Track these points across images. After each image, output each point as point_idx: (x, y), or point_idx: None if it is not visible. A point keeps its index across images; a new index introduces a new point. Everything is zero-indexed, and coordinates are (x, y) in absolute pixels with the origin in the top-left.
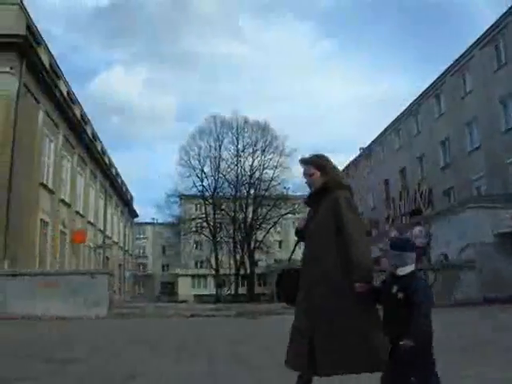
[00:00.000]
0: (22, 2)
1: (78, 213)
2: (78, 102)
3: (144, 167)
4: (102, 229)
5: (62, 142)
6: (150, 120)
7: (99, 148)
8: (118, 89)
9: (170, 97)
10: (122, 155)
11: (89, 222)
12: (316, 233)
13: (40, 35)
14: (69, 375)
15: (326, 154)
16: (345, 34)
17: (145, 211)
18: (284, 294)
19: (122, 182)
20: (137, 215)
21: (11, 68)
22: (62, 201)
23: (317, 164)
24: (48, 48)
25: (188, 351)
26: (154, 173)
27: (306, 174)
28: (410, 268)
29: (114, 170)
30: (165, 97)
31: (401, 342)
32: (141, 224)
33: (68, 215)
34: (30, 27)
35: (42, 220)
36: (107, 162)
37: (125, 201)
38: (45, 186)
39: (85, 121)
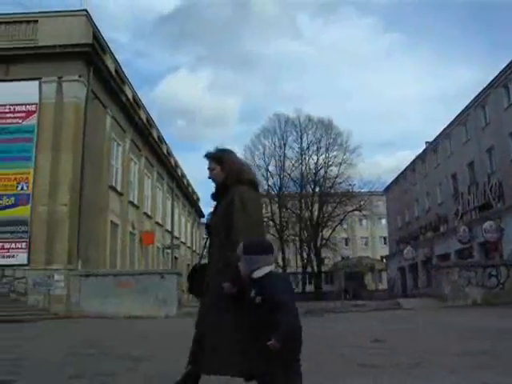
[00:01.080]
0: (88, 12)
1: (146, 214)
2: (144, 106)
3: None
4: (169, 229)
5: (129, 146)
6: (214, 121)
7: (165, 150)
8: (182, 92)
9: (233, 98)
10: (187, 157)
11: (157, 223)
12: (215, 229)
13: (106, 43)
14: (142, 372)
15: (226, 148)
16: (407, 28)
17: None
18: (192, 287)
19: (188, 182)
20: (203, 215)
21: (80, 76)
22: (131, 203)
23: (218, 159)
24: (113, 55)
25: None
26: None
27: (208, 169)
28: (265, 270)
29: (179, 172)
30: (228, 98)
31: (268, 343)
32: None
33: (136, 217)
34: (96, 36)
35: (111, 222)
36: (173, 163)
37: (191, 201)
38: (114, 189)
39: (150, 124)
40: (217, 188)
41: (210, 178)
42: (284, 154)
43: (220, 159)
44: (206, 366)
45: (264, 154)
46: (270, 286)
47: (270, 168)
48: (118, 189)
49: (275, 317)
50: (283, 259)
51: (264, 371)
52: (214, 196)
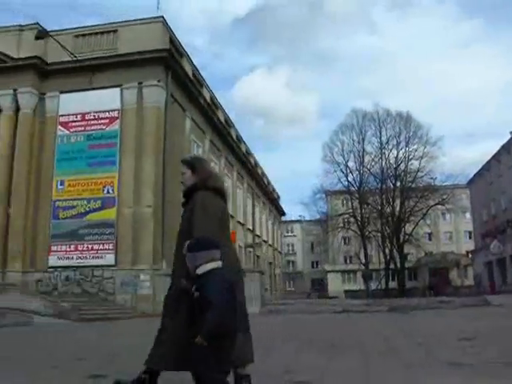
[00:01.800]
0: (164, 19)
1: (231, 216)
2: (222, 107)
3: (288, 166)
4: (251, 228)
5: (208, 147)
6: (293, 120)
7: (244, 150)
8: (260, 91)
9: (311, 96)
10: (266, 156)
11: (238, 222)
12: (179, 232)
13: (182, 47)
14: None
15: (201, 157)
16: (486, 14)
17: (292, 209)
18: None
19: (268, 181)
20: (284, 213)
21: (159, 81)
22: None
23: (190, 164)
24: (190, 58)
25: (340, 347)
26: (299, 171)
27: (181, 173)
28: (207, 267)
29: (259, 171)
30: (306, 96)
31: (196, 340)
32: (288, 222)
33: None
34: (173, 41)
35: None
36: (252, 162)
37: (272, 200)
38: None
39: (229, 124)
40: (185, 192)
41: (181, 181)
42: (363, 149)
43: (192, 165)
44: (148, 359)
45: (343, 150)
46: (205, 283)
47: (350, 164)
48: None
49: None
50: (365, 256)
51: (195, 368)
52: (183, 200)
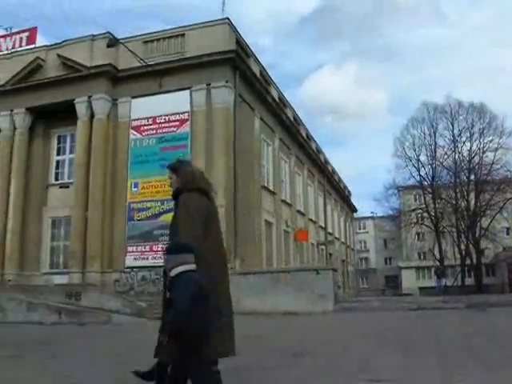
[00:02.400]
0: (229, 20)
1: (299, 212)
2: (290, 105)
3: (359, 162)
4: (322, 225)
5: (278, 145)
6: (362, 115)
7: (314, 147)
8: (328, 89)
9: (380, 91)
10: (336, 152)
11: (310, 220)
12: (171, 232)
13: (249, 48)
14: (302, 367)
15: (184, 160)
16: None
17: (363, 205)
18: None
19: (339, 178)
20: (356, 210)
21: (227, 81)
22: (283, 201)
23: (174, 169)
24: (257, 58)
25: (417, 345)
26: (370, 167)
27: (168, 178)
28: (178, 269)
29: (330, 168)
30: (375, 91)
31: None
32: (360, 218)
33: (290, 214)
34: (239, 42)
35: (266, 221)
36: (323, 160)
37: (343, 196)
38: (266, 189)
39: (298, 122)
40: (172, 196)
41: (170, 186)
42: (435, 142)
43: (176, 169)
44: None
45: (414, 144)
46: (174, 284)
47: (421, 158)
48: (271, 188)
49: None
50: (440, 251)
51: (168, 361)
52: (174, 203)
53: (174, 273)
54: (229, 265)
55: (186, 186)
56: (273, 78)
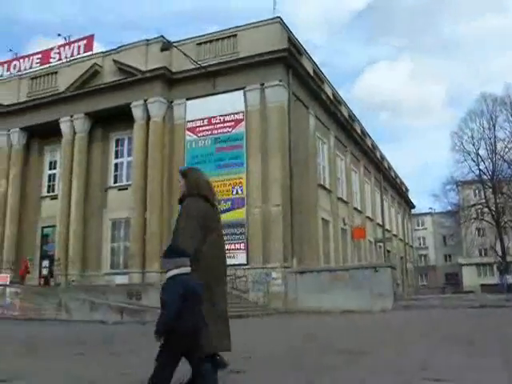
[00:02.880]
0: (281, 19)
1: (355, 209)
2: (345, 103)
3: (416, 158)
4: (380, 223)
5: (333, 143)
6: (419, 110)
7: (369, 144)
8: (383, 84)
9: (437, 85)
10: (392, 148)
11: (367, 217)
12: (172, 236)
13: (301, 46)
14: (362, 366)
15: (194, 168)
16: None
17: (421, 201)
18: None
19: (396, 174)
20: (413, 206)
21: (280, 80)
22: (340, 199)
23: (183, 174)
24: (310, 56)
25: (479, 344)
26: (427, 162)
27: (178, 181)
28: (172, 272)
29: (386, 164)
30: (432, 85)
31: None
32: (418, 215)
33: (347, 212)
34: (292, 40)
35: (322, 219)
36: (379, 156)
37: (400, 193)
38: (322, 187)
39: (353, 119)
40: (179, 199)
41: (179, 189)
42: (495, 135)
43: (185, 175)
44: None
45: (473, 138)
46: (166, 286)
47: (481, 152)
48: (327, 186)
49: None
50: (502, 247)
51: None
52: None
53: (168, 275)
54: (286, 263)
55: (190, 192)
56: (326, 75)
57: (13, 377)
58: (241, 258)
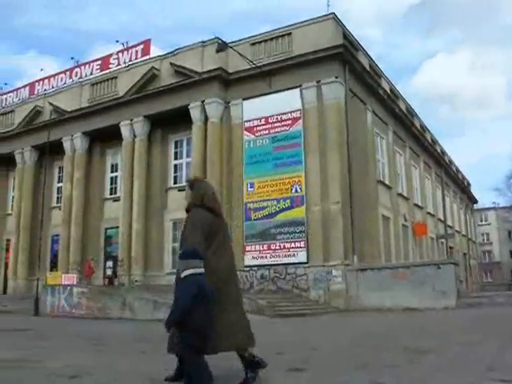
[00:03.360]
0: (335, 15)
1: (416, 205)
2: (402, 97)
3: (478, 151)
4: (441, 218)
5: (392, 138)
6: (479, 103)
7: (429, 138)
8: (442, 77)
9: (498, 76)
10: (453, 142)
11: (428, 213)
12: (180, 241)
13: (357, 41)
14: (425, 365)
15: (201, 179)
16: None
17: (484, 196)
18: None
19: (457, 169)
20: (476, 201)
21: (336, 77)
22: (400, 195)
23: (191, 185)
24: (365, 51)
25: None
26: (489, 156)
27: (185, 191)
28: (185, 273)
29: (447, 158)
30: (492, 77)
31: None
32: (481, 210)
33: (407, 208)
34: (346, 36)
35: (383, 215)
36: (439, 151)
37: (462, 188)
38: (382, 183)
39: (411, 114)
40: (186, 208)
41: (185, 198)
42: None
43: (192, 186)
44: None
45: None
46: (181, 286)
47: None
48: (386, 182)
49: None
50: None
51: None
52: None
53: (183, 275)
54: (346, 261)
55: (195, 203)
56: (383, 70)
57: (83, 373)
58: (301, 256)
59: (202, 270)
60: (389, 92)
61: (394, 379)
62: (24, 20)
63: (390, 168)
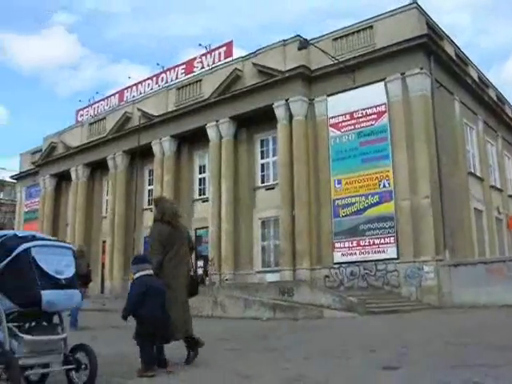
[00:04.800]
0: (418, 4)
1: (511, 197)
2: (493, 85)
3: None
4: None
5: (482, 128)
6: None
7: None
8: None
9: None
10: None
11: None
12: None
13: (441, 30)
14: None
15: (162, 198)
16: None
17: None
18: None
19: None
20: None
21: (421, 68)
22: (493, 187)
23: (155, 203)
24: (451, 40)
25: None
26: None
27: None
28: (137, 275)
29: None
30: None
31: None
32: None
33: (501, 201)
34: (430, 25)
35: (475, 208)
36: None
37: None
38: (473, 175)
39: (503, 102)
40: (152, 221)
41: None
42: None
43: (156, 203)
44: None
45: None
46: (132, 285)
47: None
48: (478, 174)
49: None
50: None
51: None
52: None
53: (135, 276)
54: (438, 256)
55: (157, 218)
56: (471, 57)
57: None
58: (391, 251)
59: (150, 272)
60: (477, 80)
61: (493, 380)
62: (115, 32)
63: (481, 159)
